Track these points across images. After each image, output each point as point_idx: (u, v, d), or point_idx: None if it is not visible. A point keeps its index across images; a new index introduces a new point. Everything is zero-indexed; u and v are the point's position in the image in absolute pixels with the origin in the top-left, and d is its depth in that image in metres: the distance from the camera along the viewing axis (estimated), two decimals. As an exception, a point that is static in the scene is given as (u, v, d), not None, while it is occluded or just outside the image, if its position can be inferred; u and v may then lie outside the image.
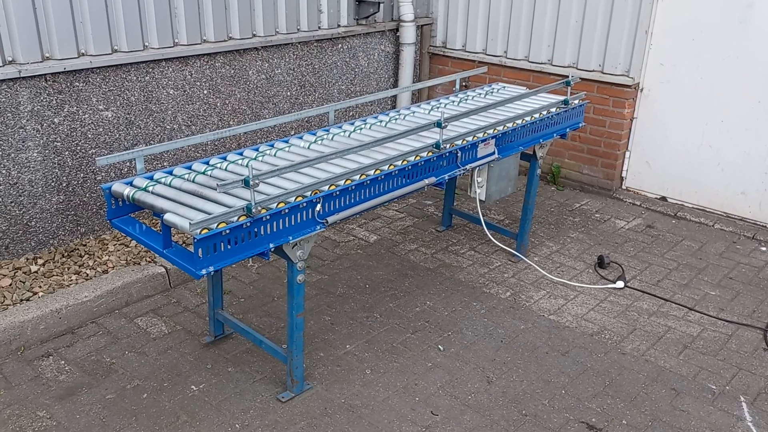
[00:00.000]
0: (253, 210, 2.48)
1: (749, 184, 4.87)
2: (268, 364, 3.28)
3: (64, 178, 4.03)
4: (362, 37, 5.60)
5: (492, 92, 4.43)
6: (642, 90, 5.20)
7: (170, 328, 3.58)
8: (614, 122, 5.28)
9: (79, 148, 4.05)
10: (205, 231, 2.39)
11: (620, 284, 4.09)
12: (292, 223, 2.69)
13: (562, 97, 4.15)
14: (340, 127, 3.62)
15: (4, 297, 3.54)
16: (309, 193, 2.72)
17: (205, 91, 4.63)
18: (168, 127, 4.48)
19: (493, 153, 3.66)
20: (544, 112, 3.96)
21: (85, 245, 4.17)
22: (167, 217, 2.49)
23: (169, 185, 2.81)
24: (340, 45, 5.44)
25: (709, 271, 4.33)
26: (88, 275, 3.86)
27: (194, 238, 2.36)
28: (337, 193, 2.82)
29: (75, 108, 3.97)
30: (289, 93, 5.18)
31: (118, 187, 2.76)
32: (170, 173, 2.94)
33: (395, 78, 6.06)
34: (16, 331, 3.33)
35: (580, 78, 5.32)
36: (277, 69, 5.04)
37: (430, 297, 3.93)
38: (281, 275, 4.11)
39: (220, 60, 4.65)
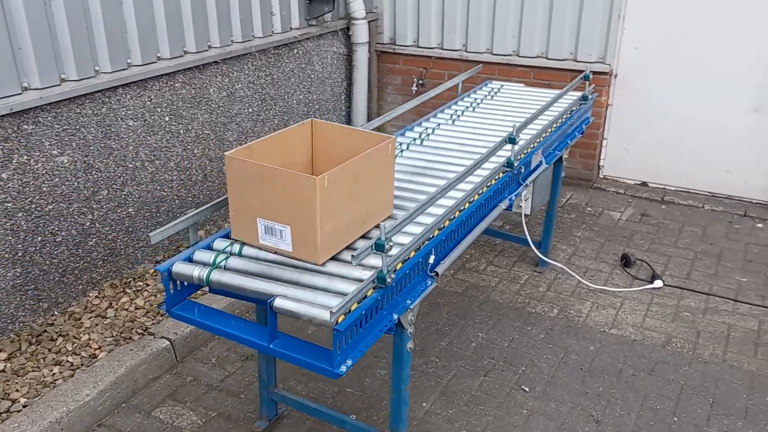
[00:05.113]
0: (387, 279, 1.95)
1: (734, 163, 4.89)
2: (346, 444, 2.74)
3: (20, 245, 3.19)
4: (315, 39, 5.04)
5: (496, 93, 4.07)
6: (616, 76, 5.08)
7: (202, 416, 2.92)
8: (592, 111, 5.12)
9: (33, 206, 3.22)
10: (342, 317, 1.84)
11: (659, 283, 3.91)
12: (407, 284, 2.18)
13: (556, 91, 3.95)
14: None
15: (-22, 415, 2.71)
16: (421, 243, 2.22)
17: (167, 118, 3.89)
18: (130, 165, 3.71)
19: (541, 162, 3.31)
20: (569, 112, 3.67)
21: (53, 324, 3.35)
22: (279, 303, 1.90)
23: (240, 255, 2.19)
24: (295, 50, 4.84)
25: (726, 256, 4.27)
26: (72, 364, 3.08)
27: (334, 329, 1.80)
28: (445, 237, 2.34)
29: (26, 157, 3.14)
30: (250, 109, 4.53)
31: (180, 267, 2.10)
32: (227, 236, 2.31)
33: (348, 81, 5.55)
34: (11, 460, 2.55)
35: (551, 68, 5.14)
36: (237, 84, 4.37)
37: (479, 326, 3.53)
38: (302, 325, 3.54)
39: (180, 79, 3.92)
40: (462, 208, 2.51)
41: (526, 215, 3.44)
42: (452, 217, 2.44)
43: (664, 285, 3.92)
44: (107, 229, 3.64)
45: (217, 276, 2.05)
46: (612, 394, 3.05)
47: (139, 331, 3.35)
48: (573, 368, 3.22)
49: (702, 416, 2.91)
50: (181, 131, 4.01)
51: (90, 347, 3.21)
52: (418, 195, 2.63)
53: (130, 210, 3.76)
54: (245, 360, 3.31)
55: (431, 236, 2.29)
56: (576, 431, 2.83)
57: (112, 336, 3.30)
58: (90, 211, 3.52)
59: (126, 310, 3.52)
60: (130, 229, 3.79)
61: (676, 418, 2.90)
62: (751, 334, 3.48)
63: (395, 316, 2.10)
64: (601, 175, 5.42)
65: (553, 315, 3.65)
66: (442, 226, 2.36)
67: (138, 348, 3.16)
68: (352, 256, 1.84)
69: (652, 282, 3.94)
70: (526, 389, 3.08)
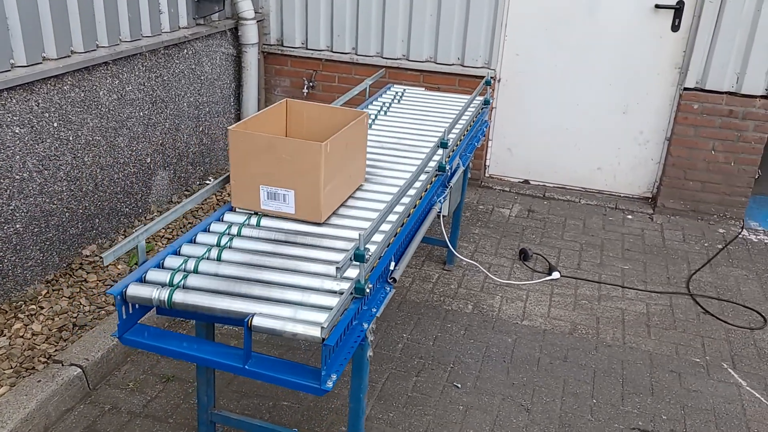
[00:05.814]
0: (366, 289, 1.94)
1: (604, 161, 5.34)
2: (293, 458, 2.68)
3: None
4: (204, 39, 4.84)
5: (401, 97, 4.15)
6: (500, 81, 5.35)
7: (131, 445, 2.73)
8: (479, 113, 5.36)
9: None
10: (328, 333, 1.80)
11: (556, 275, 4.19)
12: (372, 293, 2.18)
13: (457, 95, 4.18)
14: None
15: None
16: (381, 251, 2.23)
17: (55, 124, 3.57)
18: (17, 177, 3.37)
19: (459, 165, 3.43)
20: (476, 116, 3.83)
21: (-63, 359, 2.96)
22: (258, 322, 1.82)
23: (197, 272, 2.07)
24: (185, 50, 4.63)
25: (608, 246, 4.66)
26: (-30, 402, 2.74)
27: (324, 344, 1.77)
28: (399, 243, 2.36)
29: None
30: (141, 113, 4.26)
31: (136, 289, 1.95)
32: (175, 253, 2.17)
33: (238, 83, 5.38)
34: None
35: (440, 72, 5.32)
36: (128, 86, 4.10)
37: (401, 327, 3.59)
38: (224, 339, 3.40)
39: (69, 82, 3.61)
40: (408, 213, 2.54)
41: (444, 216, 3.54)
42: (403, 222, 2.46)
43: (561, 276, 4.21)
44: (-7, 248, 3.27)
45: (180, 297, 1.92)
46: (536, 383, 3.23)
47: (42, 359, 3.05)
48: (497, 361, 3.37)
49: (617, 396, 3.17)
50: (71, 138, 3.70)
51: (-13, 381, 2.88)
52: (362, 201, 2.63)
53: (17, 226, 3.41)
54: (166, 381, 3.12)
55: (389, 243, 2.30)
56: (511, 421, 2.97)
57: (11, 368, 2.98)
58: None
59: (21, 337, 3.19)
60: (18, 248, 3.43)
61: (594, 400, 3.13)
62: (641, 317, 3.83)
63: (365, 326, 2.09)
64: (487, 174, 5.69)
65: (469, 311, 3.79)
66: (395, 232, 2.38)
67: (46, 378, 2.88)
68: (337, 268, 1.81)
69: (550, 274, 4.21)
70: (458, 385, 3.18)
